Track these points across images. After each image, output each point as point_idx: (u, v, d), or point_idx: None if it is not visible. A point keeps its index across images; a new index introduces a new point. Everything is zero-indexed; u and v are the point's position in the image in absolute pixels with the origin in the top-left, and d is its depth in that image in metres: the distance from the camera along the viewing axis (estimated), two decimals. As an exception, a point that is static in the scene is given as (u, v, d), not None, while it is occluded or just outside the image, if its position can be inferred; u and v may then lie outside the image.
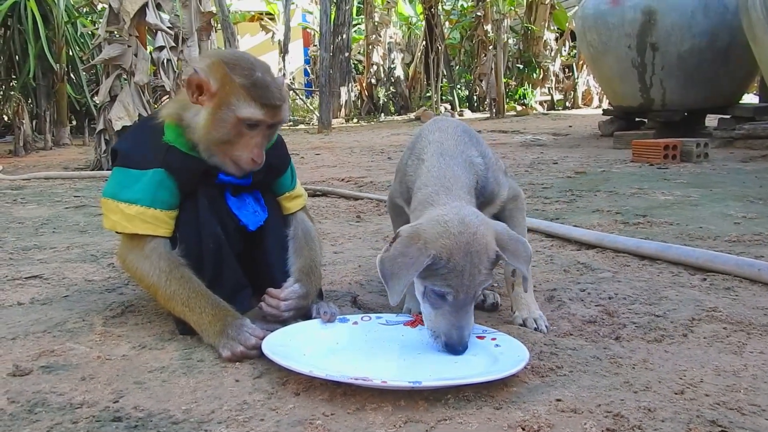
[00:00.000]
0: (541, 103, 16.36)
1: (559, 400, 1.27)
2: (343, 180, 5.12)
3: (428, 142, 1.74)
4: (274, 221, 1.81)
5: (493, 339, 1.52)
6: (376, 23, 16.71)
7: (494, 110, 13.87)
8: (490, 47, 14.47)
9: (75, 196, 4.70)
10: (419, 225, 1.47)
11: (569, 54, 17.63)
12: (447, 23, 17.26)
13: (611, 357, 1.49)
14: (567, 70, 17.51)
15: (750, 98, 9.87)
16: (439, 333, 1.46)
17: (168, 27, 6.66)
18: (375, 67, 16.76)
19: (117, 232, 1.73)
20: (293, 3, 18.38)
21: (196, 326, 1.61)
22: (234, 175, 1.69)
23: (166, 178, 1.66)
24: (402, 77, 17.35)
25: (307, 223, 1.91)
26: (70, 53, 10.46)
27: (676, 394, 1.30)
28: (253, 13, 19.79)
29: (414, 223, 1.51)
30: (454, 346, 1.45)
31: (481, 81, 15.05)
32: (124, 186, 1.68)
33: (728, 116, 6.81)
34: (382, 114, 16.34)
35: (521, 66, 16.48)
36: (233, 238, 1.73)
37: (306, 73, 21.28)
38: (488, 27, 14.74)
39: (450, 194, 1.55)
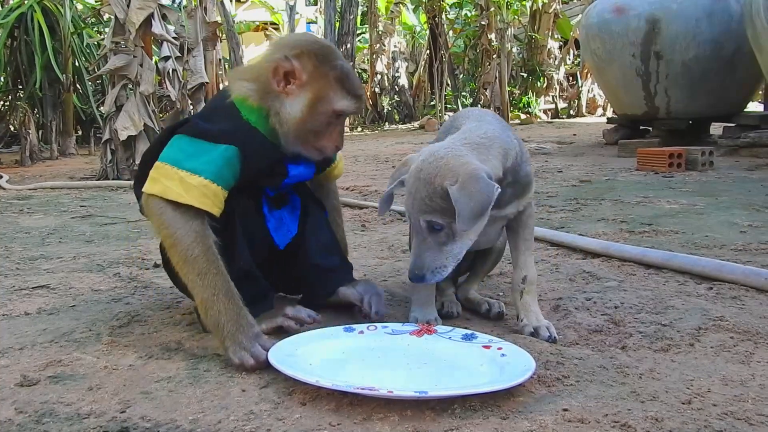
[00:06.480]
0: (545, 112, 16.36)
1: (566, 409, 1.27)
2: (347, 189, 5.12)
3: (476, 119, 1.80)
4: (314, 222, 1.90)
5: (499, 348, 1.52)
6: (380, 32, 16.78)
7: (498, 119, 13.88)
8: (494, 56, 14.51)
9: (81, 206, 4.71)
10: (414, 154, 1.68)
11: (573, 62, 17.65)
12: (451, 32, 17.31)
13: (618, 366, 1.49)
14: (571, 78, 17.52)
15: (755, 106, 9.85)
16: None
17: (173, 37, 6.70)
18: (379, 76, 16.82)
19: (160, 198, 1.58)
20: (298, 13, 18.49)
21: (208, 316, 1.56)
22: (314, 160, 1.78)
23: (236, 158, 1.62)
24: (406, 86, 17.40)
25: (334, 200, 2.07)
26: (77, 64, 10.54)
27: (683, 404, 1.29)
28: (257, 23, 19.92)
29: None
30: (410, 273, 1.60)
31: (486, 89, 15.08)
32: (190, 155, 1.60)
33: (733, 124, 6.79)
34: (387, 123, 16.37)
35: (525, 74, 16.49)
36: (264, 253, 1.81)
37: (310, 82, 21.34)
38: (492, 36, 14.76)
39: (453, 140, 1.64)
